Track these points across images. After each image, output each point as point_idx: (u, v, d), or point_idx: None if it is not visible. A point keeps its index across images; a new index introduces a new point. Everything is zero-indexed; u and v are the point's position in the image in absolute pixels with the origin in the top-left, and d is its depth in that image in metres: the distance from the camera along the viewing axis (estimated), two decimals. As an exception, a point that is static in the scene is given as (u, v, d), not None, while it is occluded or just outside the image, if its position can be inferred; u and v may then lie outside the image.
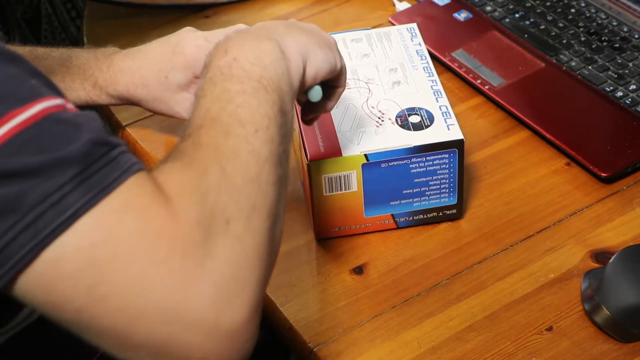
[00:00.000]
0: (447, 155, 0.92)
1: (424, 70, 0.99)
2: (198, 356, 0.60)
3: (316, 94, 0.82)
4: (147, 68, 0.99)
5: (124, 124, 1.11)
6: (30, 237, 0.57)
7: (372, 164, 0.91)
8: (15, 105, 0.59)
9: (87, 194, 0.58)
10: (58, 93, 0.63)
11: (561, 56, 1.14)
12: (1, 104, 0.58)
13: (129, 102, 1.01)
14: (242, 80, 0.71)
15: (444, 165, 0.92)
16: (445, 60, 1.15)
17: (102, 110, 1.15)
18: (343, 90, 0.86)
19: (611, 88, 1.09)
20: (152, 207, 0.60)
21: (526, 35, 1.18)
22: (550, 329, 0.87)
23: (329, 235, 0.96)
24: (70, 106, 0.62)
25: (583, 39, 1.16)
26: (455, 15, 1.23)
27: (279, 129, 0.71)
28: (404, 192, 0.94)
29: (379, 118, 0.94)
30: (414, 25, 1.06)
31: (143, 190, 0.61)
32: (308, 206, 0.98)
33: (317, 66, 0.79)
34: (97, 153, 0.60)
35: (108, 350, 0.62)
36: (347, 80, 0.97)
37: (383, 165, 0.91)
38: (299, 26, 0.81)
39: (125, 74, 1.00)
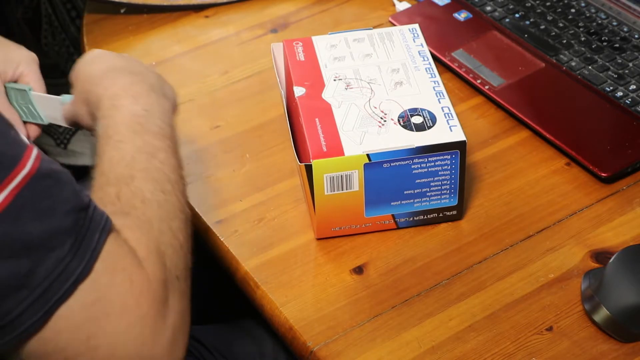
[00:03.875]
0: (449, 157, 0.92)
1: (426, 71, 0.99)
2: None
3: None
4: None
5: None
6: (40, 307, 0.64)
7: (374, 164, 0.91)
8: (9, 170, 0.63)
9: (82, 260, 0.66)
10: (22, 138, 0.68)
11: (561, 56, 1.14)
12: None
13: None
14: (159, 137, 0.79)
15: (445, 167, 0.92)
16: (445, 60, 1.16)
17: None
18: None
19: (611, 88, 1.09)
20: (133, 269, 0.69)
21: (526, 35, 1.18)
22: (550, 329, 0.87)
23: (329, 235, 0.96)
24: (35, 149, 0.67)
25: (583, 39, 1.17)
26: (455, 15, 1.23)
27: (185, 182, 0.80)
28: (405, 192, 0.94)
29: (381, 118, 0.94)
30: (416, 26, 1.06)
31: (122, 250, 0.69)
32: (308, 206, 0.98)
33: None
34: (81, 220, 0.67)
35: None
36: (350, 80, 0.98)
37: (385, 165, 0.91)
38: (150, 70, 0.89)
39: None
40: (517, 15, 1.21)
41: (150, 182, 0.76)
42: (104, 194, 0.75)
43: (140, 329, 0.68)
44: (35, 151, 0.67)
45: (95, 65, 0.88)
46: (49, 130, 1.79)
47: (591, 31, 1.18)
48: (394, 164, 0.91)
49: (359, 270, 0.93)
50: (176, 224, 0.75)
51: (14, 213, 0.63)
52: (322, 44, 1.04)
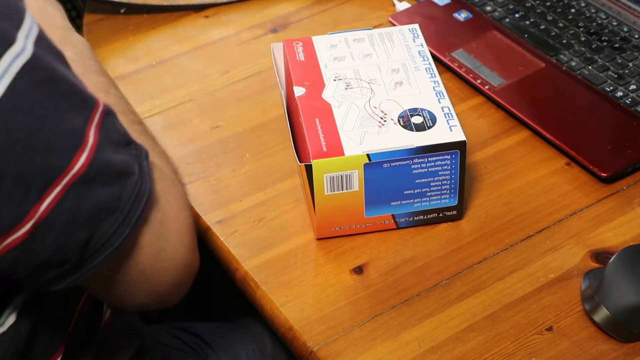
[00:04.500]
0: (449, 157, 0.92)
1: (426, 71, 0.99)
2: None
3: None
4: None
5: (124, 123, 1.11)
6: (126, 226, 0.70)
7: (374, 164, 0.91)
8: (92, 109, 0.69)
9: (147, 182, 0.72)
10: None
11: (561, 56, 1.14)
12: (85, 109, 0.68)
13: None
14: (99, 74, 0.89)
15: (445, 167, 0.92)
16: (445, 60, 1.16)
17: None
18: None
19: (611, 88, 1.09)
20: (172, 187, 0.77)
21: (526, 35, 1.18)
22: (550, 329, 0.87)
23: (329, 235, 0.96)
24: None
25: (583, 39, 1.17)
26: (455, 15, 1.23)
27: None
28: (405, 192, 0.94)
29: (381, 118, 0.94)
30: (416, 26, 1.06)
31: (161, 174, 0.76)
32: (308, 206, 0.98)
33: None
34: (134, 149, 0.73)
35: (127, 299, 0.78)
36: (350, 80, 0.98)
37: (385, 165, 0.91)
38: None
39: None
40: (517, 15, 1.21)
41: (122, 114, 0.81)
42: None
43: (189, 238, 0.77)
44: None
45: None
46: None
47: (591, 31, 1.18)
48: (394, 164, 0.91)
49: (359, 270, 0.93)
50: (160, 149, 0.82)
51: (103, 146, 0.68)
52: (322, 44, 1.04)
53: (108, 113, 0.71)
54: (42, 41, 0.67)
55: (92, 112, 0.68)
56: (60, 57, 0.69)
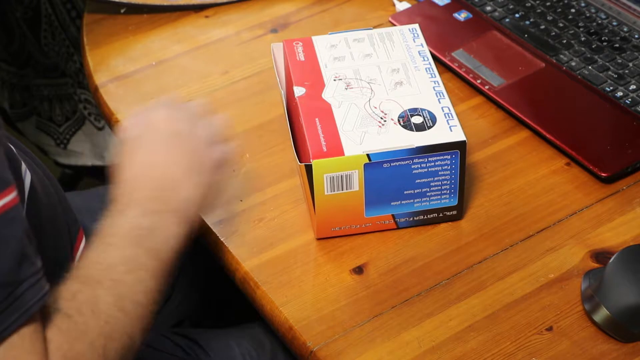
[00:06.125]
0: (449, 157, 0.92)
1: (426, 71, 0.99)
2: None
3: None
4: None
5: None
6: None
7: (374, 164, 0.91)
8: None
9: None
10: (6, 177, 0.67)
11: (561, 56, 1.14)
12: None
13: None
14: (151, 255, 0.79)
15: (445, 167, 0.92)
16: (445, 60, 1.16)
17: (102, 111, 1.15)
18: None
19: (611, 88, 1.09)
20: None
21: (526, 35, 1.18)
22: (550, 329, 0.87)
23: (329, 235, 0.96)
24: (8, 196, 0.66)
25: (583, 39, 1.17)
26: (455, 15, 1.23)
27: (154, 308, 0.79)
28: (405, 192, 0.94)
29: (381, 118, 0.94)
30: (416, 26, 1.06)
31: (32, 345, 0.67)
32: (308, 206, 0.98)
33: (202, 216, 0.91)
34: (4, 295, 0.65)
35: None
36: (350, 80, 0.98)
37: (385, 165, 0.91)
38: (202, 181, 0.87)
39: None
40: (517, 15, 1.21)
41: (112, 295, 0.75)
42: (65, 287, 0.75)
43: None
44: (4, 199, 0.66)
45: (138, 157, 0.88)
46: (48, 130, 1.79)
47: (591, 31, 1.18)
48: (394, 164, 0.91)
49: (359, 270, 0.93)
50: (114, 345, 0.73)
51: None
52: (322, 44, 1.04)
53: None
54: None
55: None
56: None
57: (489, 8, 1.23)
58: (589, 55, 1.14)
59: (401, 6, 1.26)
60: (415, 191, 0.94)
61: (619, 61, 1.13)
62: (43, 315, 0.70)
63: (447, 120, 0.93)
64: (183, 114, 0.92)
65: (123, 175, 0.86)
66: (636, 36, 1.16)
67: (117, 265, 0.77)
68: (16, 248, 0.67)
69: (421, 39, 1.04)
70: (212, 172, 0.89)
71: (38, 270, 0.69)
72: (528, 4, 1.23)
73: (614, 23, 1.18)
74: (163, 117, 0.91)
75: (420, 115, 0.94)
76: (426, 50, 1.02)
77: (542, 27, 1.19)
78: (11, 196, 0.66)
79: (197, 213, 0.87)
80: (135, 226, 0.81)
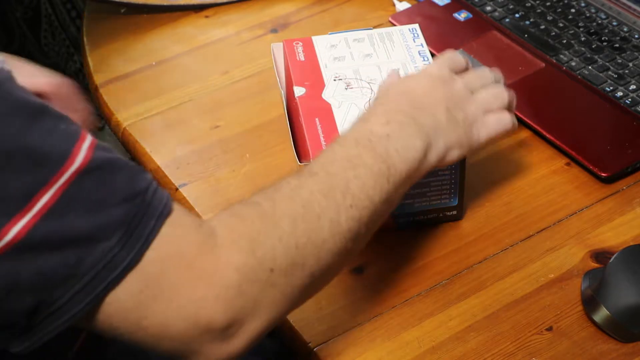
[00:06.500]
0: (448, 157, 0.92)
1: (426, 71, 0.99)
2: None
3: None
4: None
5: (124, 124, 1.11)
6: (85, 296, 0.66)
7: (372, 164, 0.91)
8: (56, 168, 0.64)
9: (132, 250, 0.66)
10: (76, 127, 0.67)
11: (561, 56, 1.14)
12: (44, 168, 0.64)
13: None
14: (376, 158, 0.78)
15: (445, 167, 0.92)
16: (445, 60, 1.15)
17: (102, 111, 1.16)
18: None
19: (611, 88, 1.09)
20: (195, 253, 0.69)
21: (526, 35, 1.18)
22: (550, 329, 0.87)
23: (329, 235, 0.96)
24: (89, 138, 0.67)
25: (583, 39, 1.17)
26: (455, 15, 1.23)
27: (373, 214, 0.77)
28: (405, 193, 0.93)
29: (380, 118, 0.94)
30: (416, 26, 1.05)
31: (182, 234, 0.69)
32: (308, 206, 0.98)
33: (451, 160, 0.85)
34: (136, 207, 0.67)
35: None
36: (350, 80, 0.98)
37: (384, 165, 0.91)
38: (458, 119, 0.85)
39: None
40: (517, 15, 1.21)
41: (320, 184, 0.75)
42: (276, 182, 0.76)
43: (195, 309, 0.68)
44: (87, 141, 0.66)
45: (392, 81, 0.89)
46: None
47: (591, 31, 1.18)
48: (394, 164, 0.91)
49: (358, 270, 0.93)
50: (306, 227, 0.73)
51: (60, 211, 0.64)
52: (322, 44, 1.03)
53: (94, 169, 0.66)
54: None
55: (53, 174, 0.63)
56: (32, 110, 0.65)
57: (489, 8, 1.23)
58: (589, 55, 1.14)
59: (401, 6, 1.26)
60: (415, 191, 0.94)
61: (619, 61, 1.13)
62: (226, 209, 0.73)
63: (447, 120, 0.93)
64: (456, 79, 0.89)
65: (379, 93, 0.87)
66: (636, 36, 1.16)
67: (338, 160, 0.77)
68: (124, 164, 0.68)
69: (421, 39, 1.04)
70: (467, 123, 0.86)
71: (151, 177, 0.70)
72: (528, 4, 1.23)
73: (614, 23, 1.18)
74: (434, 67, 0.89)
75: (420, 115, 0.94)
76: (426, 50, 1.02)
77: (542, 27, 1.19)
78: (90, 137, 0.67)
79: (440, 147, 0.83)
80: (371, 131, 0.80)
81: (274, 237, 0.71)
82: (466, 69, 0.91)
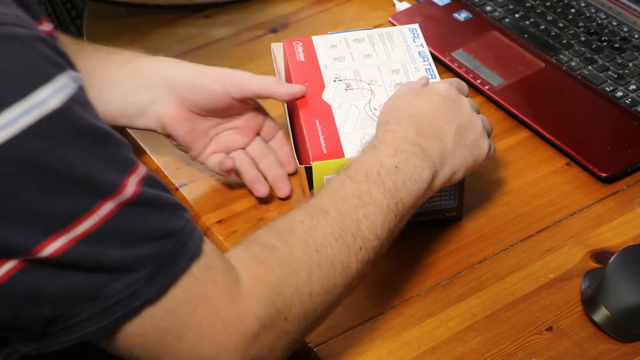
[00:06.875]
0: (448, 157, 0.92)
1: (427, 71, 0.99)
2: None
3: None
4: None
5: (124, 124, 1.11)
6: (103, 318, 0.67)
7: (372, 164, 0.91)
8: (105, 194, 0.65)
9: (157, 285, 0.68)
10: (132, 157, 0.69)
11: (561, 56, 1.14)
12: (92, 193, 0.65)
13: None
14: (385, 193, 0.79)
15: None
16: (445, 60, 1.16)
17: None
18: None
19: (611, 88, 1.09)
20: (222, 298, 0.70)
21: (526, 35, 1.18)
22: (550, 329, 0.87)
23: (329, 236, 0.96)
24: (141, 170, 0.69)
25: (583, 39, 1.17)
26: (455, 15, 1.23)
27: (379, 249, 0.79)
28: None
29: (380, 119, 0.94)
30: (416, 26, 1.05)
31: (212, 278, 0.71)
32: (308, 206, 0.98)
33: (456, 180, 0.87)
34: (168, 246, 0.68)
35: None
36: (350, 81, 0.97)
37: (384, 165, 0.91)
38: (465, 140, 0.86)
39: None
40: (517, 15, 1.21)
41: (332, 226, 0.76)
42: (288, 216, 0.77)
43: (214, 353, 0.71)
44: (138, 174, 0.68)
45: (402, 100, 0.89)
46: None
47: (591, 31, 1.18)
48: (394, 164, 0.91)
49: (359, 270, 0.93)
50: (320, 273, 0.75)
51: (98, 238, 0.65)
52: (322, 44, 1.03)
53: (140, 203, 0.67)
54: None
55: (99, 201, 0.65)
56: (86, 135, 0.65)
57: (489, 8, 1.23)
58: (589, 55, 1.14)
59: (401, 6, 1.26)
60: (415, 192, 0.93)
61: (619, 61, 1.13)
62: (244, 249, 0.75)
63: (447, 121, 0.93)
64: (464, 99, 0.90)
65: (388, 114, 0.87)
66: (636, 36, 1.16)
67: (349, 197, 0.78)
68: (169, 201, 0.70)
69: (421, 39, 1.04)
70: (475, 144, 0.87)
71: (189, 216, 0.72)
72: (528, 4, 1.23)
73: (614, 23, 1.18)
74: (443, 85, 0.90)
75: (420, 116, 0.94)
76: (426, 50, 1.02)
77: (542, 27, 1.19)
78: (143, 169, 0.69)
79: (446, 172, 0.85)
80: (380, 164, 0.81)
81: (292, 286, 0.73)
82: (466, 96, 0.92)
